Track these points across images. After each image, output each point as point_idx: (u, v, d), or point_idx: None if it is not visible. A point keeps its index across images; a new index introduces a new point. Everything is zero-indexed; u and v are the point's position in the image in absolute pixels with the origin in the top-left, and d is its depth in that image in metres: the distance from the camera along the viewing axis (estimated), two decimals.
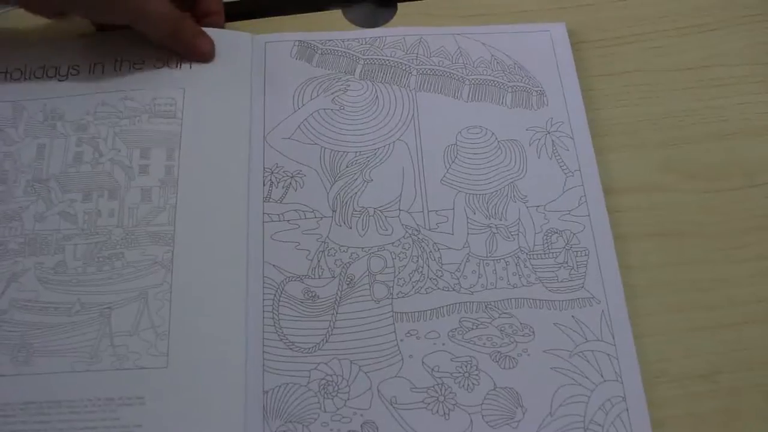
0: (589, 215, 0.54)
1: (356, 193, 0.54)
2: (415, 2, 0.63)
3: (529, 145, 0.56)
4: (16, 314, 0.51)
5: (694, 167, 0.55)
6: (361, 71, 0.59)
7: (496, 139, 0.57)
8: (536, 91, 0.58)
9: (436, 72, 0.59)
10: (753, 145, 0.56)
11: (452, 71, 0.59)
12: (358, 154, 0.56)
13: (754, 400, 0.48)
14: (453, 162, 0.56)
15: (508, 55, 0.60)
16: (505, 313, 0.51)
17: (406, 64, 0.59)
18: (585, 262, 0.52)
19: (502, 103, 0.58)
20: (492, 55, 0.60)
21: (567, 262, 0.52)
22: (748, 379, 0.49)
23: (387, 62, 0.60)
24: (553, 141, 0.56)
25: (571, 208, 0.54)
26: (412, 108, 0.58)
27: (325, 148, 0.56)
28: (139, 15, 0.55)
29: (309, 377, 0.49)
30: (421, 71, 0.59)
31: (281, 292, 0.51)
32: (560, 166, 0.55)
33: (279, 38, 0.60)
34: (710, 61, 0.59)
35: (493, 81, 0.59)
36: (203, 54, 0.58)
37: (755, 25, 0.61)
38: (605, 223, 0.53)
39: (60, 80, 0.58)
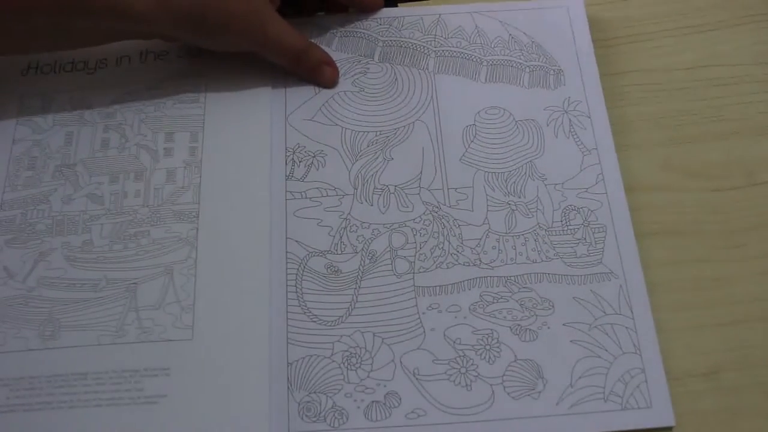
0: (606, 193, 0.52)
1: (377, 171, 0.53)
2: (415, 2, 0.62)
3: (547, 125, 0.55)
4: (43, 291, 0.49)
5: (695, 166, 0.54)
6: (380, 54, 0.58)
7: (514, 119, 0.55)
8: (554, 70, 0.57)
9: (454, 54, 0.58)
10: (753, 144, 0.54)
11: (470, 52, 0.58)
12: (378, 133, 0.54)
13: (756, 398, 0.46)
14: (472, 142, 0.54)
15: (525, 33, 0.58)
16: (525, 287, 0.49)
17: (424, 46, 0.58)
18: (603, 239, 0.50)
19: (520, 83, 0.56)
20: (509, 34, 0.58)
21: (585, 239, 0.50)
22: (750, 378, 0.47)
23: (405, 44, 0.58)
24: (570, 120, 0.55)
25: (589, 185, 0.52)
26: (431, 90, 0.56)
27: (345, 128, 0.54)
28: (260, 44, 0.54)
29: (332, 349, 0.47)
30: (438, 53, 0.58)
31: (304, 267, 0.50)
32: (577, 145, 0.54)
33: (299, 22, 0.58)
34: (710, 61, 0.58)
35: (511, 61, 0.57)
36: (325, 83, 0.56)
37: (755, 25, 0.59)
38: (622, 200, 0.51)
39: (89, 73, 0.57)
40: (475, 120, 0.55)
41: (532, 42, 0.58)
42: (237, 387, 0.46)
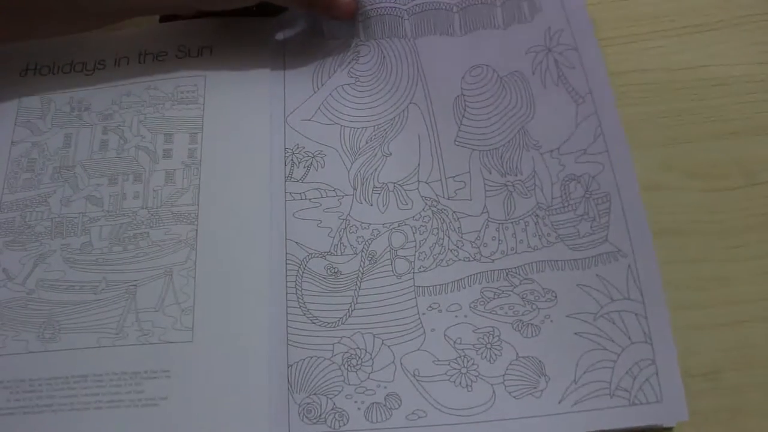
0: (607, 150, 0.50)
1: (376, 169, 0.52)
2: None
3: (533, 73, 0.52)
4: (43, 293, 0.49)
5: (694, 166, 0.53)
6: (363, 30, 0.56)
7: (498, 76, 0.53)
8: None
9: (425, 6, 0.55)
10: (753, 144, 0.54)
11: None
12: (376, 128, 0.53)
13: (756, 398, 0.46)
14: (463, 117, 0.52)
15: None
16: (526, 279, 0.48)
17: (397, 8, 0.56)
18: (607, 210, 0.48)
19: (495, 24, 0.54)
20: None
21: (588, 213, 0.48)
22: (750, 378, 0.47)
23: (380, 11, 0.56)
24: (555, 60, 0.52)
25: (587, 145, 0.50)
26: (416, 61, 0.54)
27: (344, 126, 0.54)
28: None
29: (333, 351, 0.47)
30: (411, 11, 0.56)
31: (304, 269, 0.49)
32: (569, 92, 0.51)
33: (296, 16, 0.58)
34: (709, 61, 0.57)
35: None
36: (343, 15, 0.55)
37: (754, 25, 0.59)
38: (627, 157, 0.49)
39: (87, 74, 0.57)
40: (462, 89, 0.53)
41: None
42: (237, 389, 0.46)
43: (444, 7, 0.55)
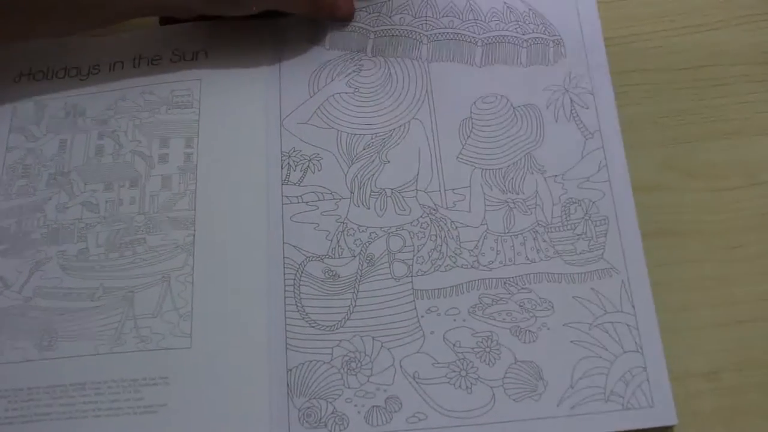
0: (609, 180, 0.51)
1: (374, 174, 0.52)
2: None
3: (546, 108, 0.53)
4: (40, 301, 0.49)
5: (695, 166, 0.53)
6: (373, 47, 0.56)
7: (512, 106, 0.53)
8: (553, 42, 0.55)
9: (447, 36, 0.56)
10: (754, 144, 0.54)
11: (463, 32, 0.56)
12: (374, 136, 0.54)
13: (757, 398, 0.46)
14: (468, 137, 0.53)
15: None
16: (524, 288, 0.48)
17: (416, 32, 0.56)
18: (604, 232, 0.49)
19: (517, 62, 0.55)
20: (504, 3, 0.56)
21: (586, 233, 0.49)
22: (751, 378, 0.47)
23: (397, 32, 0.56)
24: (571, 99, 0.53)
25: (591, 174, 0.51)
26: (426, 82, 0.55)
27: (341, 131, 0.54)
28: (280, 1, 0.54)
29: (332, 354, 0.47)
30: (431, 37, 0.56)
31: (302, 272, 0.50)
32: (579, 128, 0.52)
33: (294, 21, 0.58)
34: (710, 61, 0.57)
35: (507, 36, 0.55)
36: (344, 17, 0.56)
37: (755, 25, 0.59)
38: (627, 188, 0.50)
39: (81, 79, 0.57)
40: (471, 112, 0.53)
41: (530, 9, 0.56)
42: (236, 394, 0.46)
43: (468, 40, 0.55)
